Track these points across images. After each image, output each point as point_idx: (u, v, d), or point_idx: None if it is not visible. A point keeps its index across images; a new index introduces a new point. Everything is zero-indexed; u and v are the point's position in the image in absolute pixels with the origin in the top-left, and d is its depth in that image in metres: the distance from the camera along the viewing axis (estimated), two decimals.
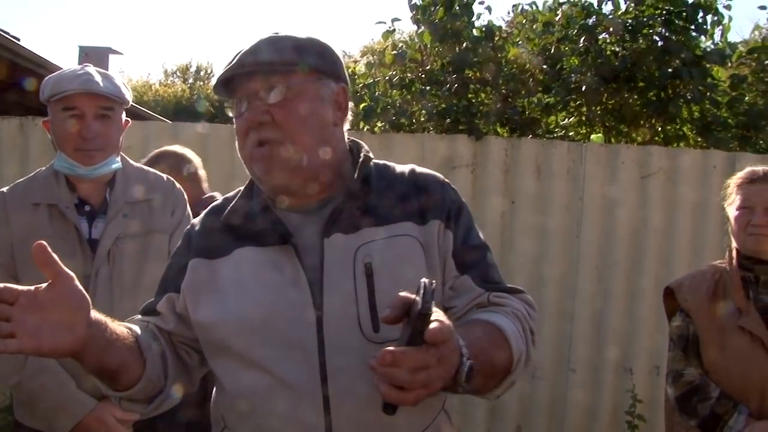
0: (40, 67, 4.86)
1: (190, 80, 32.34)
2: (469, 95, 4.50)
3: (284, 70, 1.15)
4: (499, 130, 4.55)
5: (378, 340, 1.07)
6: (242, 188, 1.28)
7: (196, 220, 1.33)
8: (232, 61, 1.17)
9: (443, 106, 4.37)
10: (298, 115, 1.14)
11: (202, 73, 33.20)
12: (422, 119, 4.59)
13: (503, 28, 5.71)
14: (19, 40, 5.32)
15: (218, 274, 1.19)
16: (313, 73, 1.17)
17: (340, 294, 1.13)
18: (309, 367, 1.11)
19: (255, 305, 1.14)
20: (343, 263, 1.13)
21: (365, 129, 4.22)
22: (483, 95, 4.66)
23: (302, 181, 1.17)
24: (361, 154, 1.24)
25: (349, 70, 4.68)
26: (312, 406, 1.10)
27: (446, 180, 1.29)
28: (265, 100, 1.14)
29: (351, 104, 1.26)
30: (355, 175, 1.20)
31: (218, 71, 1.19)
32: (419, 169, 1.28)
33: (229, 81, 1.19)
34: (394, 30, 4.79)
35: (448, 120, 4.36)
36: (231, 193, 1.31)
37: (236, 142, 1.21)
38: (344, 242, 1.15)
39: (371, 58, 5.09)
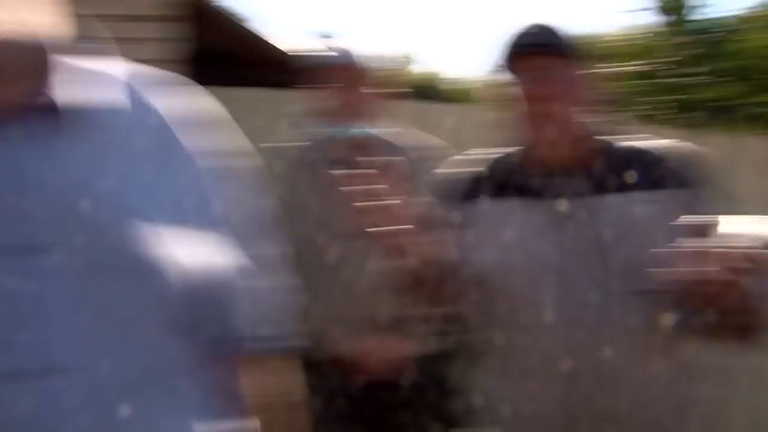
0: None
1: None
2: (719, 88, 4.47)
3: (562, 53, 1.35)
4: (755, 126, 4.49)
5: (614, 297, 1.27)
6: (509, 149, 1.46)
7: (466, 171, 1.51)
8: (518, 40, 1.35)
9: (692, 97, 4.39)
10: (570, 92, 1.34)
11: None
12: (666, 111, 4.63)
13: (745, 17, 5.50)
14: (244, 21, 5.63)
15: (491, 221, 1.39)
16: (575, 59, 1.36)
17: (586, 251, 1.31)
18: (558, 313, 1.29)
19: (524, 254, 1.34)
20: (593, 223, 1.31)
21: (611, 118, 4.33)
22: (735, 89, 4.59)
23: (568, 150, 1.36)
24: (609, 129, 1.42)
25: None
26: (557, 351, 1.28)
27: (694, 153, 1.37)
28: (549, 77, 1.33)
29: (597, 91, 1.48)
30: (603, 147, 1.38)
31: (507, 46, 1.36)
32: (665, 142, 1.40)
33: (511, 56, 1.37)
34: (639, 22, 4.85)
35: (695, 112, 4.37)
36: (500, 150, 1.49)
37: (512, 109, 1.37)
38: (594, 204, 1.32)
39: (611, 47, 5.18)
